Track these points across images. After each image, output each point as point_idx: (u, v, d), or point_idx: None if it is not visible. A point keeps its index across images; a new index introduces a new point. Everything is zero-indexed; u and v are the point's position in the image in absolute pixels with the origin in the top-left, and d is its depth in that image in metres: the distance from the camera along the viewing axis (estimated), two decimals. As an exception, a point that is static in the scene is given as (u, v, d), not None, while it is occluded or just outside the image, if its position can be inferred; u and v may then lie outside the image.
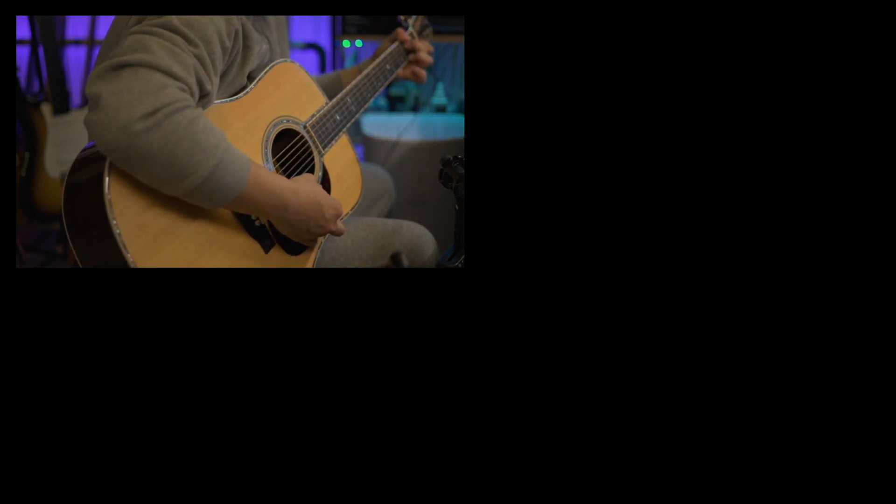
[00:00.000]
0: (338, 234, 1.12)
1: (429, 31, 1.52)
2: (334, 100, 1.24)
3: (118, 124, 0.82)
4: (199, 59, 0.91)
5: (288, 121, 1.13)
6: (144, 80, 0.84)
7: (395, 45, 1.44)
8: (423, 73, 1.47)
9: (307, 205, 1.03)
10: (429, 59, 1.47)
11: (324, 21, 2.45)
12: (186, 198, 0.90)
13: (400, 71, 1.45)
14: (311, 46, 2.38)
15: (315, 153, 1.17)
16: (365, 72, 1.34)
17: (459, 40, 2.04)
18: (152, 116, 0.83)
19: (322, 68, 2.38)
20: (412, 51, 1.45)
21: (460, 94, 2.42)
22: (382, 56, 1.40)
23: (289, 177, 1.11)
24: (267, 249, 1.05)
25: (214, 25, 0.94)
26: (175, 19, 0.90)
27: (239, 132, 1.03)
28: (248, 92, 1.06)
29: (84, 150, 0.93)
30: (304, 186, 1.04)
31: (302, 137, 1.15)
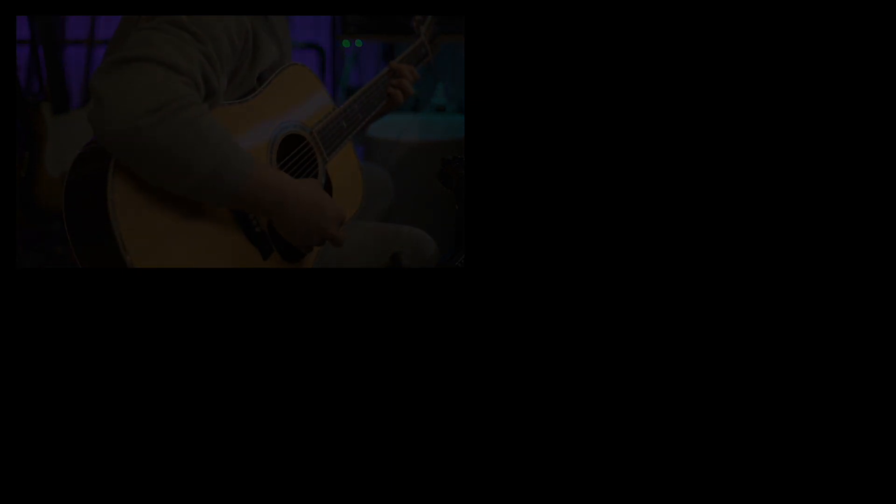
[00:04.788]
0: (337, 243, 1.08)
1: (440, 37, 1.50)
2: (342, 106, 1.22)
3: (121, 120, 0.81)
4: (207, 56, 0.90)
5: (295, 126, 1.12)
6: (149, 75, 0.83)
7: (408, 51, 1.41)
8: (399, 95, 1.36)
9: (308, 206, 1.02)
10: (409, 88, 1.37)
11: (324, 21, 2.45)
12: (188, 194, 0.89)
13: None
14: (311, 46, 2.38)
15: (319, 159, 1.16)
16: (374, 79, 1.33)
17: (459, 40, 2.04)
18: (157, 112, 0.82)
19: (322, 68, 2.38)
20: (399, 75, 1.36)
21: (460, 94, 2.42)
22: (394, 62, 1.38)
23: None
24: (266, 256, 1.04)
25: (224, 24, 0.93)
26: (184, 17, 0.88)
27: (246, 135, 1.02)
28: (257, 94, 1.05)
29: (86, 146, 0.92)
30: (307, 188, 1.03)
31: (307, 143, 1.14)
